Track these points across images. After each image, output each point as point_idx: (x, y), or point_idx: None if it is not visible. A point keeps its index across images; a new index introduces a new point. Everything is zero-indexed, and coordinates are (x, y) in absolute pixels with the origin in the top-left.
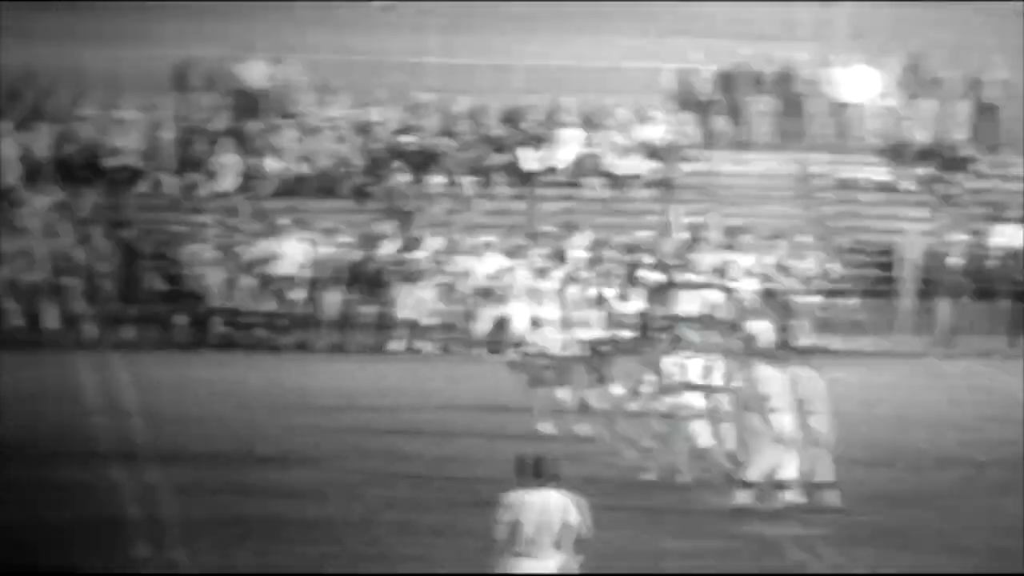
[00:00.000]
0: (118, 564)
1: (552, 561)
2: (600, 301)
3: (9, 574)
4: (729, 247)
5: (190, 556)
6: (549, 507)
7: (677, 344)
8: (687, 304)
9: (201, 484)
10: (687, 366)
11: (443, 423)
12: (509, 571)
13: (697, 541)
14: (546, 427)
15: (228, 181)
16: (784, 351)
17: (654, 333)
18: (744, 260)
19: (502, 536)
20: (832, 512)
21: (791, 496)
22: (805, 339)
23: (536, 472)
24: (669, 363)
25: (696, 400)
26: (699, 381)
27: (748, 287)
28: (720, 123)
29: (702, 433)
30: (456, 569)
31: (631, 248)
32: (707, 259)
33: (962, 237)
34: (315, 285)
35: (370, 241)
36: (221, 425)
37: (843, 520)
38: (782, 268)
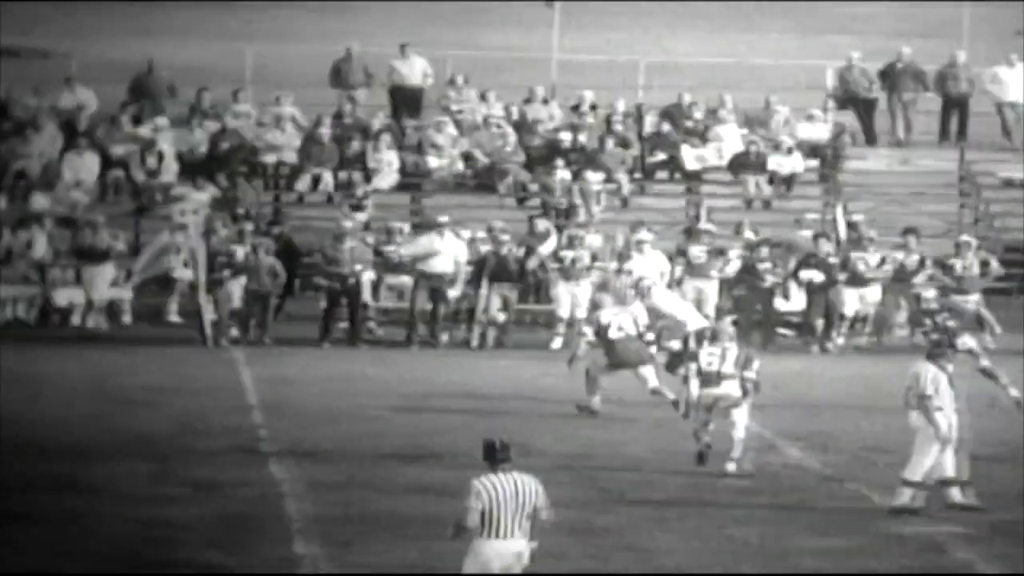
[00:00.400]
0: (246, 561)
1: (519, 542)
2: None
3: (139, 571)
4: (893, 245)
5: (319, 552)
6: (517, 490)
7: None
8: (849, 303)
9: (327, 479)
10: (726, 355)
11: (573, 417)
12: (477, 554)
13: (829, 539)
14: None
15: (387, 178)
16: (946, 349)
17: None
18: (909, 259)
19: (470, 519)
20: (970, 510)
21: (952, 496)
22: (967, 338)
23: (499, 456)
24: (705, 354)
25: (734, 389)
26: (733, 370)
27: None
28: (881, 121)
29: (740, 421)
30: (590, 567)
31: (792, 246)
32: (869, 258)
33: None
34: (473, 282)
35: (529, 239)
36: (350, 419)
37: (974, 517)
38: (943, 266)
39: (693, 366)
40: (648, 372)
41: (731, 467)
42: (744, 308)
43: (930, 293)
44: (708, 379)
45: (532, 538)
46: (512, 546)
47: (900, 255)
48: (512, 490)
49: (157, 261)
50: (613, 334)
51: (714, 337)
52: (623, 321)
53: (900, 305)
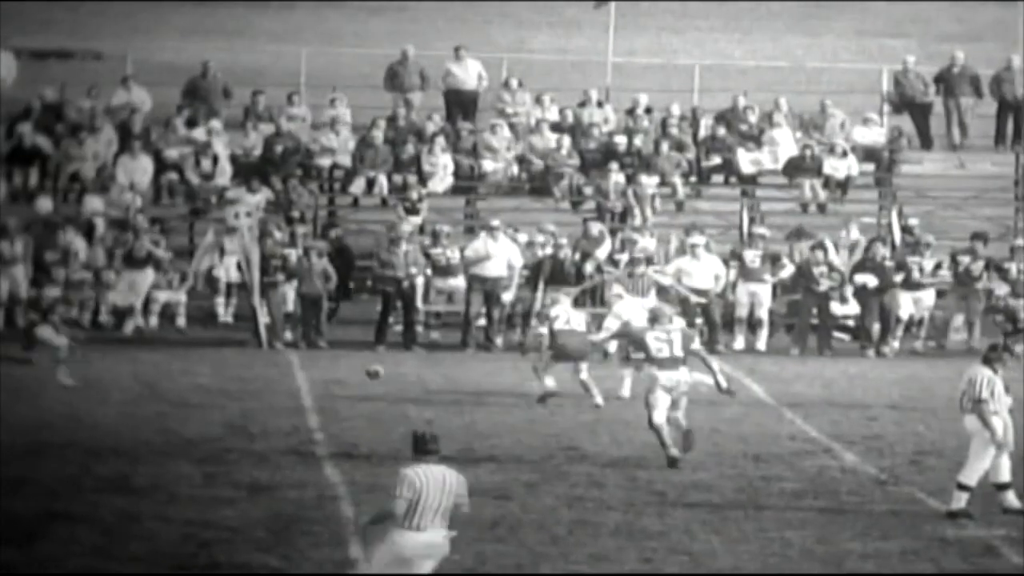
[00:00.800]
0: (298, 564)
1: (438, 533)
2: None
3: (189, 573)
4: (954, 250)
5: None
6: (442, 483)
7: None
8: (904, 307)
9: (380, 482)
10: (672, 341)
11: (629, 420)
12: (395, 543)
13: (884, 543)
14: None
15: (441, 181)
16: (1002, 353)
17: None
18: (974, 264)
19: (398, 507)
20: (1014, 513)
21: (1006, 500)
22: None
23: (430, 448)
24: (652, 338)
25: (687, 375)
26: (683, 354)
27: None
28: (937, 125)
29: (680, 408)
30: (643, 570)
31: (846, 249)
32: (924, 262)
33: None
34: (529, 285)
35: (584, 242)
36: (404, 422)
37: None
38: (998, 269)
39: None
40: (583, 366)
41: (678, 452)
42: (800, 312)
43: (1002, 290)
44: (664, 364)
45: (451, 528)
46: (431, 537)
47: (966, 259)
48: (438, 482)
49: (201, 261)
50: (559, 325)
51: (656, 320)
52: (572, 315)
53: (960, 309)
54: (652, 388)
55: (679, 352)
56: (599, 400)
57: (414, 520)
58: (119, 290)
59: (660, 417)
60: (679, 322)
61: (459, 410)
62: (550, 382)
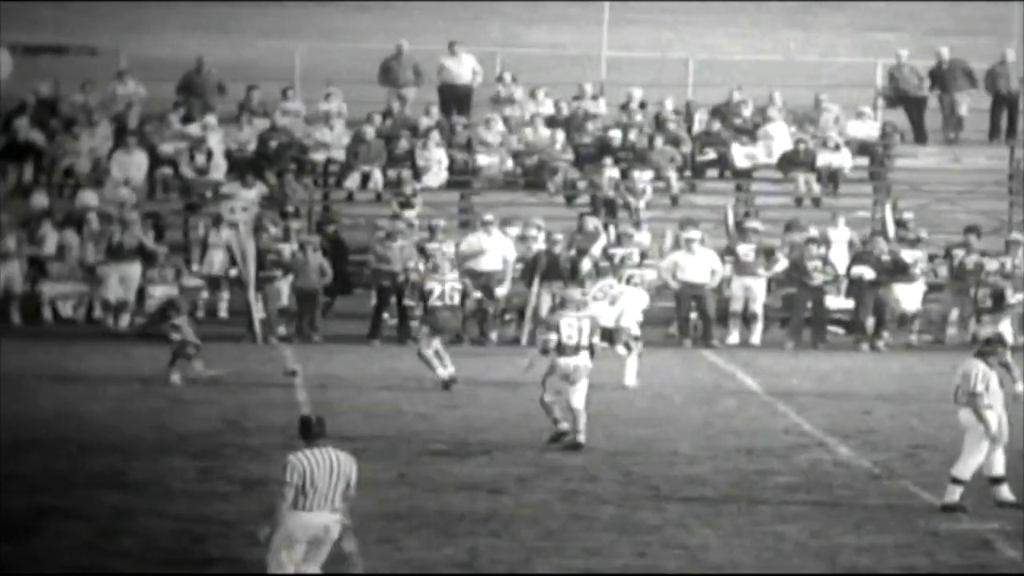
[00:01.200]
0: None
1: (327, 516)
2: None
3: (183, 569)
4: (949, 244)
5: (361, 548)
6: (332, 466)
7: None
8: (897, 300)
9: (375, 476)
10: (583, 328)
11: (617, 414)
12: (292, 526)
13: (878, 537)
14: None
15: (436, 176)
16: (994, 347)
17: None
18: (968, 257)
19: (287, 495)
20: (1008, 507)
21: (1000, 494)
22: (1013, 336)
23: (315, 431)
24: (565, 324)
25: (586, 360)
26: (587, 342)
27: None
28: (931, 119)
29: (582, 391)
30: (638, 564)
31: (844, 244)
32: (918, 255)
33: None
34: (524, 280)
35: (579, 238)
36: (399, 416)
37: (1021, 515)
38: (993, 263)
39: (553, 337)
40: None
41: (582, 438)
42: (794, 306)
43: (993, 265)
44: (566, 350)
45: (343, 515)
46: (319, 519)
47: (960, 252)
48: (327, 466)
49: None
50: (433, 302)
51: (564, 305)
52: (448, 292)
53: (956, 303)
54: (551, 371)
55: (585, 340)
56: (442, 374)
57: (303, 501)
58: (111, 285)
59: (549, 396)
60: (592, 309)
61: (453, 404)
62: (443, 372)
